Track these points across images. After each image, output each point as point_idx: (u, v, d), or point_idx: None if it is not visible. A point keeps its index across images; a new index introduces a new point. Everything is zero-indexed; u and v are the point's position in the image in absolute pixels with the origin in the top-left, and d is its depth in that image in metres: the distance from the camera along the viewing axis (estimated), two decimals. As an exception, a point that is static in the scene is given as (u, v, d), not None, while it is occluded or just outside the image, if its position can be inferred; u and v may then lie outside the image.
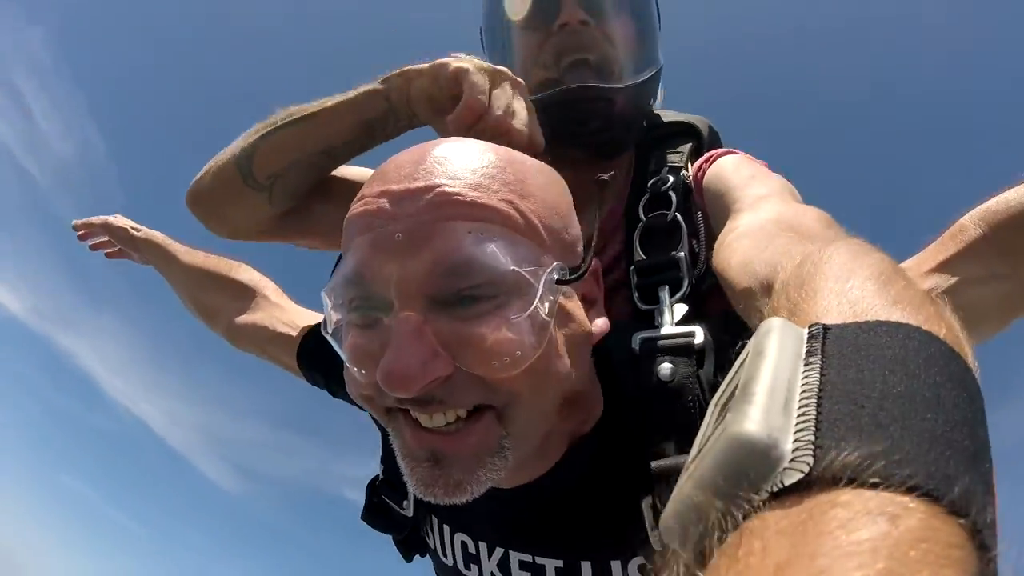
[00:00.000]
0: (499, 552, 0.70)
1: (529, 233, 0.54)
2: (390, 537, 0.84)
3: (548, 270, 0.53)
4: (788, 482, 0.22)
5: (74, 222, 1.29)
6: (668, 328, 0.69)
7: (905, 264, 0.79)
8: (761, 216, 0.68)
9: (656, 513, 0.58)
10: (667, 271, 0.78)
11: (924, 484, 0.21)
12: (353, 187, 0.78)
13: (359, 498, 0.83)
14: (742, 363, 0.30)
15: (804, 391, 0.25)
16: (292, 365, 0.95)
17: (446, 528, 0.75)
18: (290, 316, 1.01)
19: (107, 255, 1.29)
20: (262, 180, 0.84)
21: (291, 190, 0.86)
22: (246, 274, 1.11)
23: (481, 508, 0.65)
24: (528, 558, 0.68)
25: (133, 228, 1.22)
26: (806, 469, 0.22)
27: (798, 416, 0.24)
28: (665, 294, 0.75)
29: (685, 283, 0.77)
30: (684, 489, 0.25)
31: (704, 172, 0.86)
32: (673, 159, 0.92)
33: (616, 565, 0.64)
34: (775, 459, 0.23)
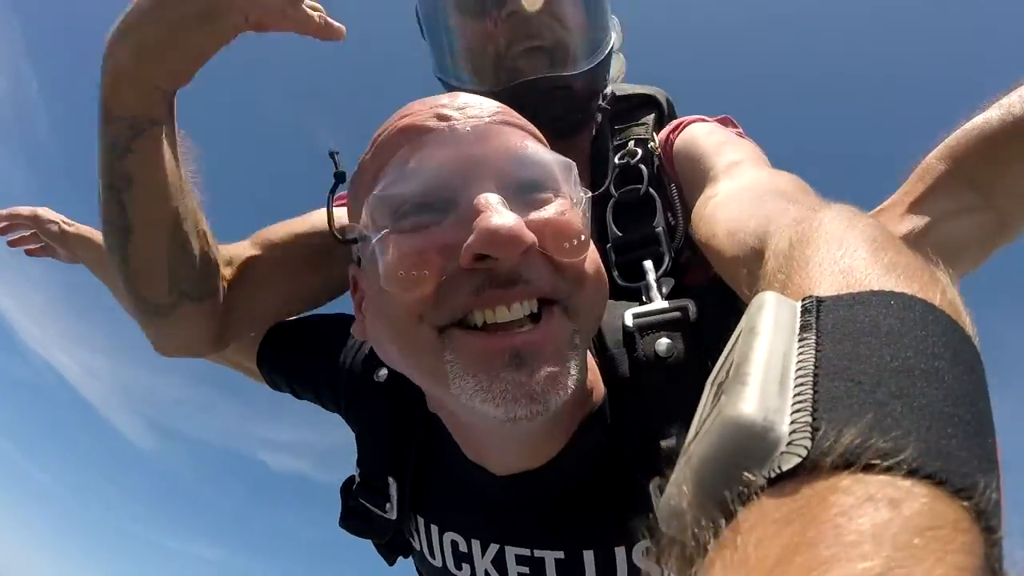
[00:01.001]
0: (493, 548, 0.67)
1: (556, 155, 0.59)
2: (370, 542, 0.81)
3: (578, 184, 0.59)
4: (786, 467, 0.21)
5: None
6: (660, 303, 0.67)
7: (876, 210, 0.78)
8: (739, 183, 0.67)
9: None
10: (647, 247, 0.78)
11: (926, 465, 0.20)
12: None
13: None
14: (736, 340, 0.29)
15: (799, 369, 0.25)
16: (252, 368, 0.91)
17: (434, 528, 0.72)
18: None
19: (28, 252, 1.15)
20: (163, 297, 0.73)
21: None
22: None
23: (473, 504, 0.67)
24: (526, 552, 0.65)
25: (65, 223, 1.10)
26: (804, 453, 0.21)
27: (794, 396, 0.24)
28: (650, 269, 0.74)
29: (666, 258, 0.76)
30: (681, 474, 0.25)
31: (673, 142, 0.85)
32: (638, 131, 0.90)
33: (620, 552, 0.62)
34: (772, 442, 0.22)
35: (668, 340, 0.62)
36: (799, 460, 0.21)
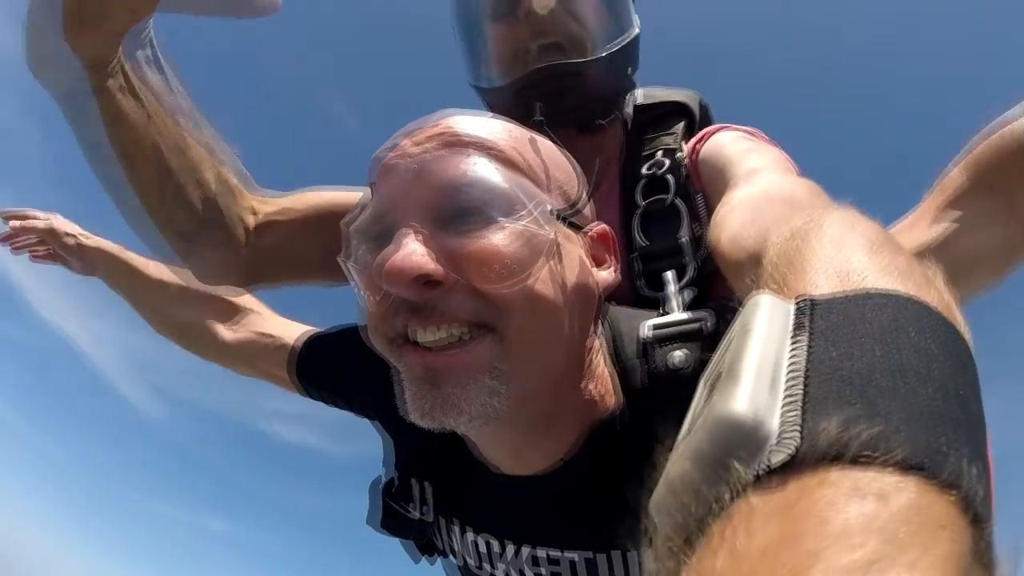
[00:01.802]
0: (524, 549, 0.69)
1: (530, 174, 0.59)
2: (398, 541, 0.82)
3: (545, 202, 0.57)
4: (775, 462, 0.22)
5: (2, 211, 1.13)
6: (678, 314, 0.68)
7: (899, 223, 0.77)
8: (753, 189, 0.67)
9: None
10: (671, 257, 0.79)
11: (913, 459, 0.20)
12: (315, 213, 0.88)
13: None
14: (730, 340, 0.30)
15: (791, 368, 0.25)
16: (284, 377, 0.94)
17: (467, 529, 0.73)
18: (280, 328, 1.00)
19: (33, 257, 1.13)
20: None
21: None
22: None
23: (504, 505, 0.69)
24: (556, 553, 0.67)
25: (82, 236, 1.09)
26: (793, 449, 0.22)
27: (785, 394, 0.24)
28: (672, 279, 0.75)
29: (690, 268, 0.77)
30: (673, 470, 0.25)
31: (698, 152, 0.85)
32: (667, 141, 0.90)
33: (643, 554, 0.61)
34: (762, 439, 0.23)
35: (683, 352, 0.62)
36: (788, 455, 0.22)
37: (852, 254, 0.33)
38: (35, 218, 1.11)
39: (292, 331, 0.98)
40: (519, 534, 0.69)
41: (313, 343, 0.92)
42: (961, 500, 0.20)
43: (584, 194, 0.65)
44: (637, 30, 0.97)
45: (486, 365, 0.54)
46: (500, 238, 0.54)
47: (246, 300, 1.05)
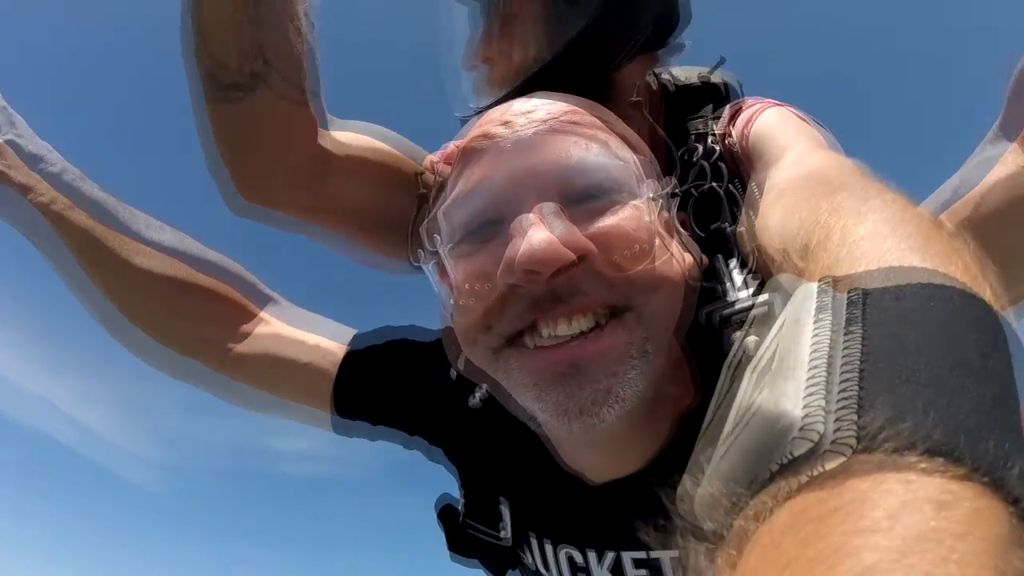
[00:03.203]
0: (610, 556, 0.66)
1: (630, 153, 0.58)
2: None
3: (653, 183, 0.56)
4: (830, 466, 0.21)
5: None
6: (742, 297, 0.62)
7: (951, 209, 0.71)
8: (796, 173, 0.64)
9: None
10: (717, 243, 0.74)
11: (974, 467, 0.20)
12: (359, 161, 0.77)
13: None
14: (780, 329, 0.29)
15: (845, 365, 0.24)
16: (314, 402, 0.80)
17: (547, 543, 0.70)
18: (310, 340, 0.82)
19: None
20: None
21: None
22: (235, 284, 0.85)
23: (582, 514, 0.67)
24: (643, 555, 0.64)
25: (50, 196, 0.77)
26: (849, 452, 0.21)
27: (840, 393, 0.23)
28: (722, 264, 0.70)
29: (736, 253, 0.73)
30: (721, 467, 0.25)
31: (747, 136, 0.79)
32: (697, 125, 0.85)
33: None
34: (816, 441, 0.22)
35: (757, 336, 0.59)
36: (844, 459, 0.21)
37: (902, 243, 0.32)
38: None
39: (320, 342, 0.82)
40: (602, 542, 0.66)
41: (355, 362, 0.79)
42: (1012, 502, 0.19)
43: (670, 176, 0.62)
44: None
45: (635, 345, 0.51)
46: (631, 220, 0.52)
47: (259, 309, 0.86)
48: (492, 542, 0.72)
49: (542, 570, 0.73)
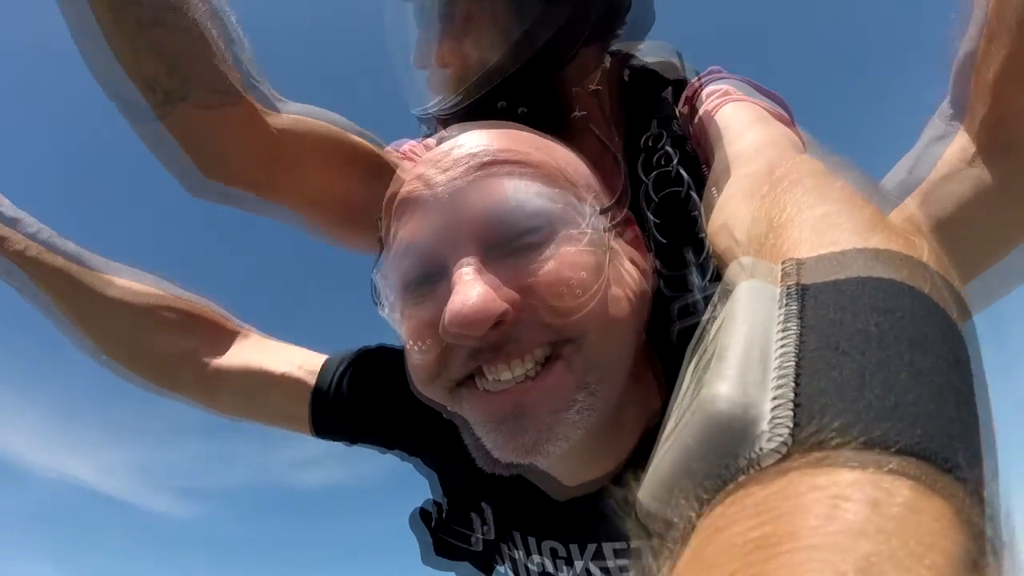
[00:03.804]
0: (592, 548, 0.68)
1: (565, 182, 0.56)
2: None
3: (592, 208, 0.55)
4: (765, 458, 0.21)
5: None
6: (702, 289, 0.63)
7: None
8: (745, 171, 0.62)
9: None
10: (685, 232, 0.74)
11: (911, 453, 0.19)
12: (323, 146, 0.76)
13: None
14: (717, 327, 0.28)
15: (780, 357, 0.24)
16: (299, 413, 0.80)
17: (531, 539, 0.72)
18: (288, 354, 0.84)
19: None
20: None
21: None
22: (205, 305, 0.86)
23: (569, 508, 0.68)
24: (622, 545, 0.67)
25: (24, 244, 0.79)
26: (783, 444, 0.21)
27: (775, 385, 0.23)
28: (691, 255, 0.69)
29: (707, 242, 0.74)
30: (662, 466, 0.24)
31: (703, 123, 0.79)
32: (657, 107, 0.84)
33: None
34: (752, 434, 0.22)
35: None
36: (778, 452, 0.21)
37: (842, 232, 0.31)
38: None
39: (299, 357, 0.84)
40: (585, 534, 0.68)
41: (330, 374, 0.80)
42: (962, 493, 0.19)
43: (616, 196, 0.61)
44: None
45: (576, 383, 0.52)
46: (563, 258, 0.51)
47: (234, 323, 0.88)
48: (472, 542, 0.74)
49: (526, 562, 0.74)
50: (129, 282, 0.83)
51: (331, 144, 0.78)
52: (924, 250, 0.28)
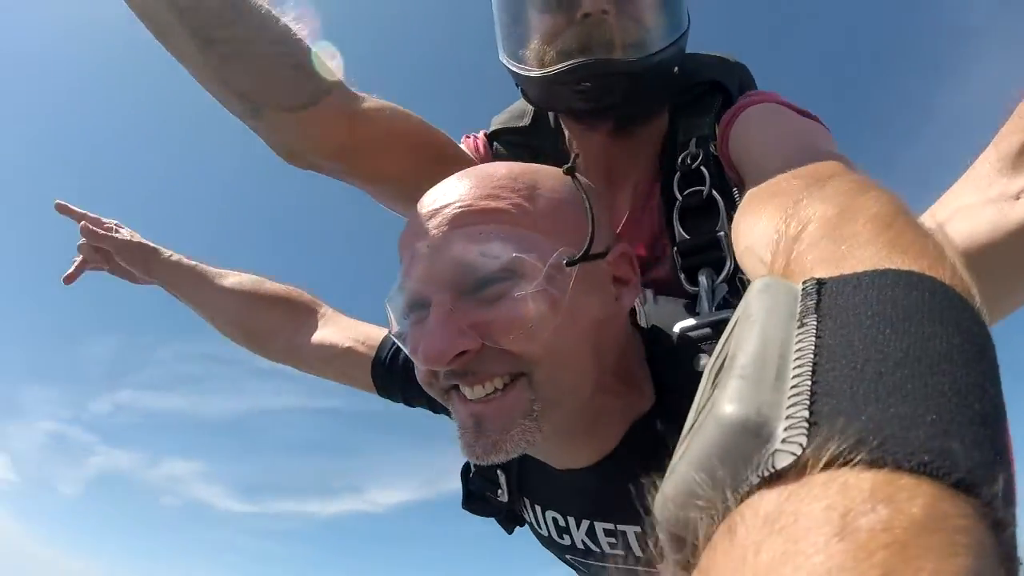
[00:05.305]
0: (585, 523, 0.77)
1: (538, 227, 0.63)
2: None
3: (555, 254, 0.62)
4: (780, 465, 0.20)
5: (75, 212, 1.15)
6: (707, 315, 0.68)
7: (968, 172, 0.68)
8: (769, 178, 0.61)
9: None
10: (708, 251, 0.78)
11: (928, 462, 0.19)
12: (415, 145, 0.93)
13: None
14: (732, 328, 0.27)
15: (798, 358, 0.23)
16: (363, 379, 0.99)
17: (537, 507, 0.84)
18: (355, 330, 1.03)
19: (79, 269, 1.17)
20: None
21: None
22: (297, 292, 1.12)
23: (565, 488, 0.79)
24: (611, 526, 0.75)
25: (153, 248, 1.15)
26: (798, 451, 0.20)
27: (791, 389, 0.22)
28: (704, 278, 0.74)
29: (728, 262, 0.75)
30: (678, 471, 0.24)
31: (728, 140, 0.82)
32: (700, 126, 0.87)
33: None
34: (765, 439, 0.21)
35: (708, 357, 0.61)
36: (793, 458, 0.20)
37: (859, 229, 0.30)
38: (111, 228, 1.16)
39: (367, 332, 1.02)
40: (579, 511, 0.78)
41: (386, 350, 0.97)
42: (980, 504, 0.18)
43: (599, 226, 0.66)
44: (686, 27, 0.92)
45: (522, 410, 0.61)
46: (519, 302, 0.60)
47: (320, 303, 1.10)
48: (495, 500, 0.88)
49: (536, 527, 0.87)
50: (237, 276, 1.14)
51: (398, 135, 0.92)
52: (951, 270, 0.27)
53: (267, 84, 0.83)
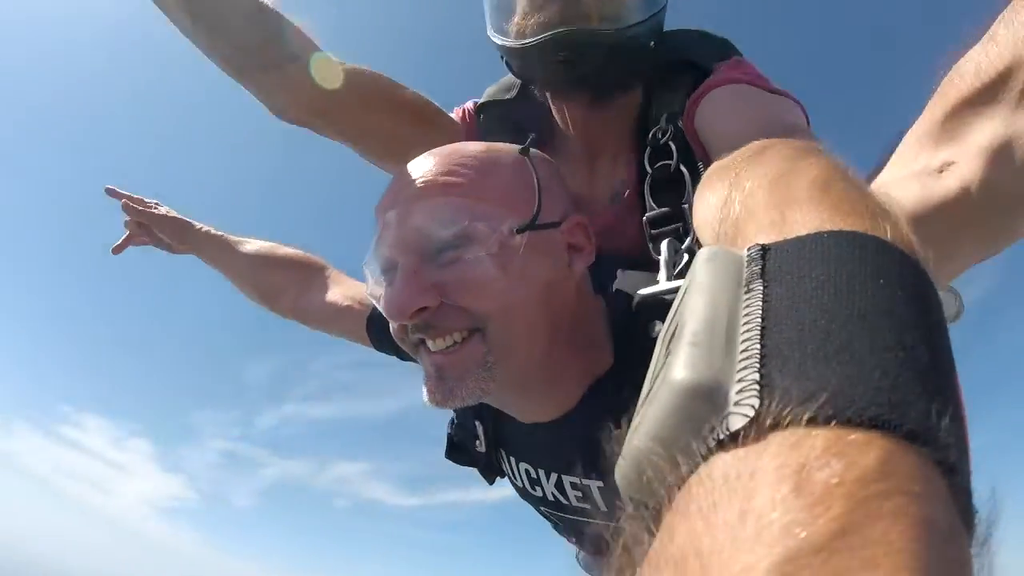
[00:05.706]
0: (554, 476, 0.84)
1: (492, 199, 0.70)
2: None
3: (506, 224, 0.68)
4: (734, 428, 0.20)
5: (123, 195, 1.31)
6: (664, 283, 0.71)
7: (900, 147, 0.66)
8: (728, 152, 0.61)
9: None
10: (673, 222, 0.81)
11: (878, 415, 0.19)
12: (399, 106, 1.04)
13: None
14: (682, 297, 0.28)
15: (746, 323, 0.23)
16: (360, 335, 1.07)
17: (512, 458, 0.90)
18: (354, 290, 1.11)
19: (126, 242, 1.35)
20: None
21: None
22: (306, 256, 1.24)
23: (534, 441, 0.85)
24: (576, 480, 0.81)
25: (187, 222, 1.31)
26: (751, 413, 0.20)
27: (741, 353, 0.22)
28: (665, 247, 0.76)
29: (692, 234, 0.77)
30: (634, 439, 0.24)
31: (693, 116, 0.85)
32: (671, 101, 0.90)
33: None
34: (719, 403, 0.21)
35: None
36: (747, 419, 0.20)
37: (800, 194, 0.31)
38: (151, 205, 1.33)
39: (362, 292, 1.09)
40: (547, 464, 0.85)
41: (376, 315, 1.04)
42: (933, 452, 0.19)
43: (552, 198, 0.73)
44: (664, 3, 0.94)
45: (477, 360, 0.68)
46: (471, 264, 0.67)
47: (326, 265, 1.21)
48: (475, 452, 0.95)
49: (512, 477, 0.94)
50: (256, 243, 1.28)
51: (375, 96, 1.03)
52: (893, 226, 0.27)
53: (244, 52, 0.98)
